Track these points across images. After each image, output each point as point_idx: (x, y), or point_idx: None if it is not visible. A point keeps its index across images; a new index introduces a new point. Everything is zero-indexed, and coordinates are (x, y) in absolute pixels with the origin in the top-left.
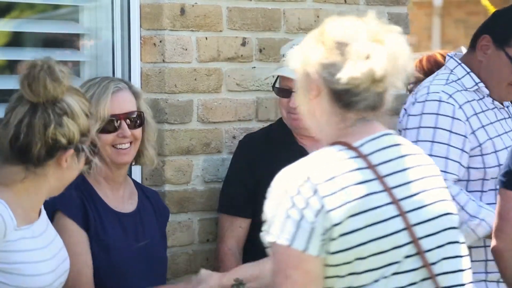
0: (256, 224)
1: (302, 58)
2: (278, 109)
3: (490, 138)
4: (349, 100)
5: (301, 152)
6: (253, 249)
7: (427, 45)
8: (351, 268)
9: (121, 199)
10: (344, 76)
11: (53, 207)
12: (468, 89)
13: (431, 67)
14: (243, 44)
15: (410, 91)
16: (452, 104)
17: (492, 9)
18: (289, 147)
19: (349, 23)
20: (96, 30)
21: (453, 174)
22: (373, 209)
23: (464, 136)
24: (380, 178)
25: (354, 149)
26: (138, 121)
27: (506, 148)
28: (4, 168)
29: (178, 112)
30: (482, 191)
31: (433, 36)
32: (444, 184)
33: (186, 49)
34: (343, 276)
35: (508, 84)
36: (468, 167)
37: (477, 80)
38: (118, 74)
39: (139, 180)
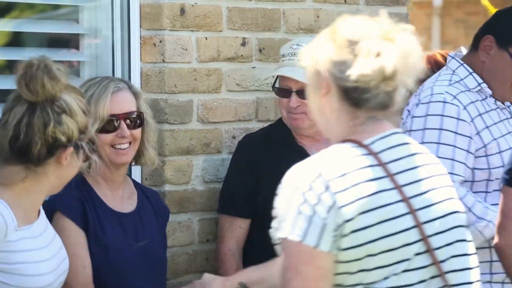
0: (256, 224)
1: (313, 55)
2: (278, 109)
3: (495, 139)
4: (359, 97)
5: (301, 152)
6: (253, 250)
7: (427, 45)
8: (362, 265)
9: (121, 199)
10: (354, 73)
11: (52, 207)
12: (471, 90)
13: (431, 67)
14: (243, 44)
15: (411, 91)
16: (457, 105)
17: (492, 9)
18: (289, 147)
19: (360, 21)
20: (96, 30)
21: (459, 175)
22: (384, 206)
23: (469, 137)
24: (390, 175)
25: (365, 146)
26: (137, 121)
27: (511, 148)
28: (4, 168)
29: (178, 112)
30: (486, 192)
31: (432, 36)
32: (451, 183)
33: (186, 49)
34: (353, 273)
35: None
36: (473, 168)
37: (480, 80)
38: (118, 74)
39: (139, 180)
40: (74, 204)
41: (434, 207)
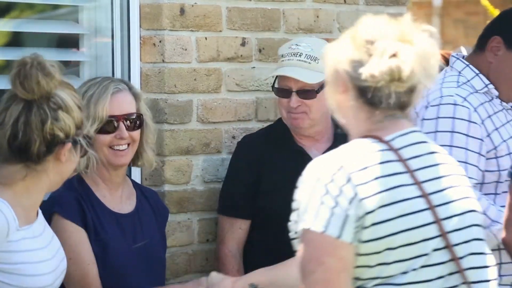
0: (256, 225)
1: (333, 54)
2: (278, 109)
3: (504, 140)
4: (372, 97)
5: (301, 153)
6: (253, 250)
7: None
8: (381, 258)
9: (119, 200)
10: (364, 72)
11: (50, 209)
12: (478, 91)
13: None
14: (243, 44)
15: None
16: (467, 108)
17: (492, 9)
18: (288, 148)
19: (380, 22)
20: (96, 30)
21: (472, 178)
22: (404, 200)
23: (481, 139)
24: (410, 171)
25: (386, 142)
26: (137, 122)
27: None
28: (4, 168)
29: (177, 112)
30: (495, 194)
31: None
32: (469, 184)
33: (185, 49)
34: (372, 266)
35: None
36: (484, 170)
37: (487, 81)
38: (118, 74)
39: (138, 180)
40: (72, 205)
41: (453, 204)
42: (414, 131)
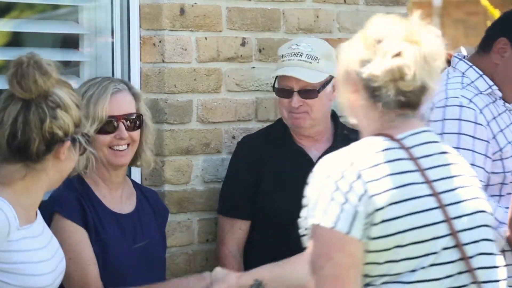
0: (256, 225)
1: (344, 54)
2: (278, 109)
3: (509, 142)
4: (380, 96)
5: (300, 153)
6: (253, 251)
7: None
8: (390, 256)
9: (119, 200)
10: (366, 71)
11: (50, 209)
12: (482, 92)
13: None
14: (243, 44)
15: None
16: (473, 109)
17: (491, 9)
18: (288, 148)
19: (389, 21)
20: (95, 30)
21: (479, 180)
22: (414, 198)
23: (487, 141)
24: (421, 170)
25: (397, 140)
26: (136, 122)
27: None
28: (3, 168)
29: (177, 112)
30: (500, 196)
31: None
32: (480, 185)
33: (185, 49)
34: (381, 263)
35: None
36: (490, 172)
37: (491, 83)
38: (118, 74)
39: (138, 180)
40: (73, 204)
41: (463, 204)
42: (426, 131)
